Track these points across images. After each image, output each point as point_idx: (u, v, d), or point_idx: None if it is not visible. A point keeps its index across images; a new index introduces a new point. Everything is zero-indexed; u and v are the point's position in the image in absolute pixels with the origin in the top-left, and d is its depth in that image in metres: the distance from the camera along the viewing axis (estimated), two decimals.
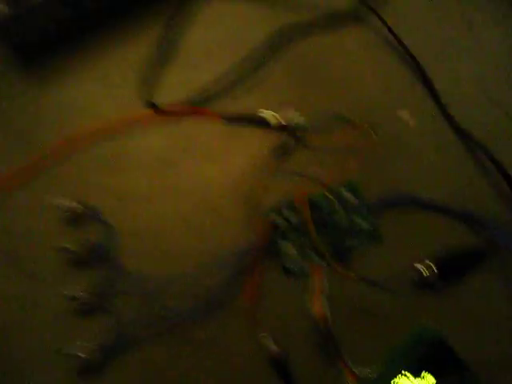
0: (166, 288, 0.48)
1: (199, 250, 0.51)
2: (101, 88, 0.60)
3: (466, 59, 0.62)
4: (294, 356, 0.46)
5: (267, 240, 0.51)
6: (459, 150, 0.56)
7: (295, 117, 0.55)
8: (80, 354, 0.45)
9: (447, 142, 0.56)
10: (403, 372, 0.44)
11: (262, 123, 0.56)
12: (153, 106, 0.57)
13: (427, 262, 0.49)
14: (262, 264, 0.50)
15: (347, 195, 0.53)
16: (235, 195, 0.53)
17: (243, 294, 0.48)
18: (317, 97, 0.59)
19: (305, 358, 0.47)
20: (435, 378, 0.44)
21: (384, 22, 0.62)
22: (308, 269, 0.50)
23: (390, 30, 0.61)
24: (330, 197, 0.50)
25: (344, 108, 0.57)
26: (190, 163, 0.55)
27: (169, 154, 0.56)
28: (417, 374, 0.44)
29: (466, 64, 0.62)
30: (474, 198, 0.53)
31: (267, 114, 0.56)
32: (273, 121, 0.55)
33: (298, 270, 0.50)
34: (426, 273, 0.49)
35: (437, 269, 0.49)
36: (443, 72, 0.60)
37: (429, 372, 0.44)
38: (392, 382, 0.44)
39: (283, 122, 0.55)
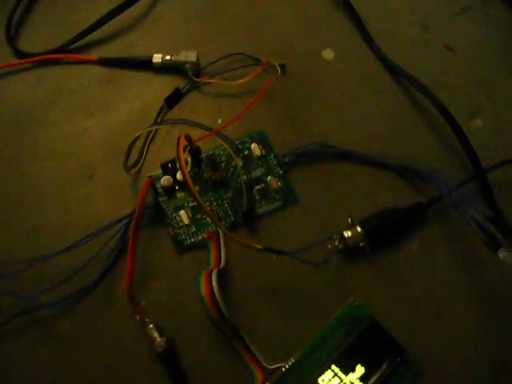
0: (27, 272, 0.38)
1: (72, 225, 0.41)
2: None
3: None
4: (189, 347, 0.37)
5: (153, 207, 0.40)
6: (392, 90, 0.46)
7: (186, 55, 0.44)
8: None
9: (377, 81, 0.47)
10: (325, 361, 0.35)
11: (147, 65, 0.45)
12: (17, 51, 0.46)
13: (353, 223, 0.39)
14: (145, 238, 0.40)
15: (253, 147, 0.42)
16: (116, 154, 0.42)
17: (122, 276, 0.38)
18: (217, 37, 0.49)
19: (203, 348, 0.37)
20: (364, 365, 0.35)
21: None
22: (204, 239, 0.39)
23: None
24: (229, 149, 0.39)
25: (250, 47, 0.46)
26: (61, 117, 0.45)
27: (35, 108, 0.46)
28: (342, 363, 0.35)
29: None
30: (411, 146, 0.44)
31: (154, 56, 0.45)
32: (158, 60, 0.44)
33: (191, 241, 0.40)
34: (351, 237, 0.39)
35: (364, 231, 0.39)
36: (371, 4, 0.51)
37: (357, 358, 0.35)
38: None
39: (171, 60, 0.44)
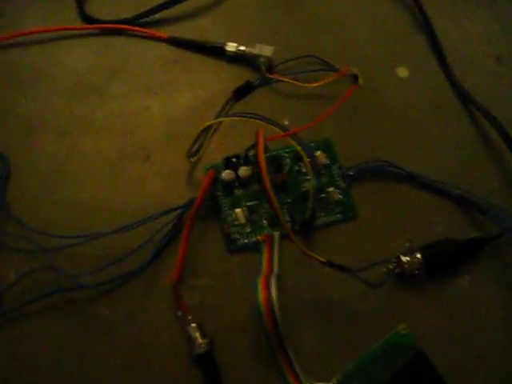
0: (71, 249, 0.36)
1: (121, 205, 0.40)
2: None
3: (476, 18, 0.51)
4: (228, 352, 0.35)
5: (209, 200, 0.38)
6: (461, 118, 0.45)
7: (262, 49, 0.43)
8: None
9: (448, 107, 0.45)
10: None
11: (219, 52, 0.43)
12: (86, 16, 0.44)
13: (411, 248, 0.37)
14: (196, 231, 0.38)
15: (319, 154, 0.40)
16: (176, 138, 0.41)
17: (169, 267, 0.36)
18: (292, 35, 0.48)
19: (242, 355, 0.35)
20: None
21: None
22: (258, 241, 0.37)
23: None
24: (299, 152, 0.37)
25: (324, 51, 0.45)
26: (122, 91, 0.43)
27: (96, 77, 0.44)
28: None
29: (476, 23, 0.50)
30: (475, 178, 0.42)
31: (228, 44, 0.44)
32: (232, 49, 0.43)
33: (244, 242, 0.38)
34: (409, 263, 0.37)
35: (423, 258, 0.37)
36: (450, 28, 0.49)
37: None
38: None
39: (245, 51, 0.43)
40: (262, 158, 0.32)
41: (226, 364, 0.35)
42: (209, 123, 0.37)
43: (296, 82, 0.43)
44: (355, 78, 0.44)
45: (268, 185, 0.32)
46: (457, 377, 0.35)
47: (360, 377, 0.35)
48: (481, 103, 0.44)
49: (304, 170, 0.40)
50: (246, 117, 0.36)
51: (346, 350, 0.35)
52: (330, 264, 0.35)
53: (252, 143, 0.38)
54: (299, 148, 0.37)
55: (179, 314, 0.36)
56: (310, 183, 0.38)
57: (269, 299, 0.33)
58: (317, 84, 0.42)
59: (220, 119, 0.39)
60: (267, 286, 0.33)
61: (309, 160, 0.38)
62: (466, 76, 0.46)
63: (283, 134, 0.36)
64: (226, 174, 0.39)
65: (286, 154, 0.41)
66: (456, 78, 0.46)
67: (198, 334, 0.35)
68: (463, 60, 0.48)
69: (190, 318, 0.35)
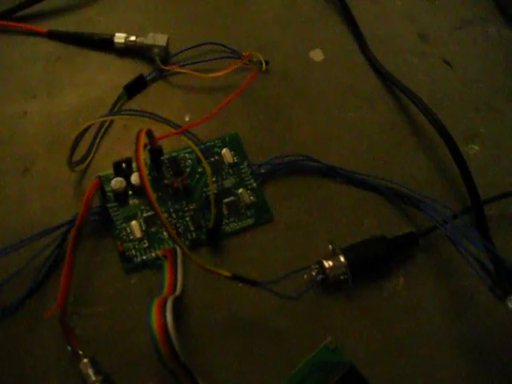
0: None
1: None
2: None
3: None
4: None
5: (100, 213, 0.33)
6: (385, 102, 0.41)
7: (156, 38, 0.38)
8: None
9: (369, 90, 0.41)
10: None
11: (107, 45, 0.38)
12: None
13: (335, 251, 0.33)
14: (87, 250, 0.34)
15: (225, 152, 0.36)
16: (59, 146, 0.37)
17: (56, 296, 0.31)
18: (189, 22, 0.43)
19: None
20: None
21: None
22: (158, 257, 0.32)
23: None
24: (197, 151, 0.33)
25: (227, 38, 0.41)
26: None
27: None
28: None
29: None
30: (404, 168, 0.38)
31: (116, 35, 0.39)
32: (121, 40, 0.38)
33: (141, 259, 0.32)
34: (332, 268, 0.33)
35: (348, 262, 0.33)
36: (367, 6, 0.45)
37: None
38: None
39: (136, 42, 0.38)
40: (140, 161, 0.27)
41: None
42: (86, 125, 0.32)
43: (196, 73, 0.38)
44: (266, 63, 0.39)
45: (150, 192, 0.27)
46: None
47: None
48: (404, 85, 0.40)
49: (207, 171, 0.35)
50: (129, 114, 0.31)
51: (269, 374, 0.31)
52: (237, 278, 0.30)
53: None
54: (194, 147, 0.32)
55: (69, 349, 0.30)
56: (210, 186, 0.33)
57: (164, 326, 0.28)
58: (219, 73, 0.37)
59: (99, 119, 0.34)
60: (162, 311, 0.28)
61: (209, 160, 0.33)
62: (387, 56, 0.43)
63: (174, 131, 0.31)
64: (116, 183, 0.34)
65: (187, 155, 0.36)
66: (376, 59, 0.42)
67: (90, 371, 0.30)
68: (384, 39, 0.44)
69: (81, 352, 0.30)
